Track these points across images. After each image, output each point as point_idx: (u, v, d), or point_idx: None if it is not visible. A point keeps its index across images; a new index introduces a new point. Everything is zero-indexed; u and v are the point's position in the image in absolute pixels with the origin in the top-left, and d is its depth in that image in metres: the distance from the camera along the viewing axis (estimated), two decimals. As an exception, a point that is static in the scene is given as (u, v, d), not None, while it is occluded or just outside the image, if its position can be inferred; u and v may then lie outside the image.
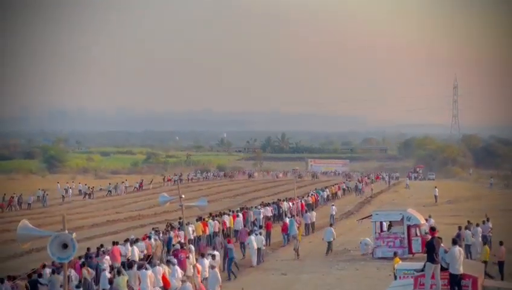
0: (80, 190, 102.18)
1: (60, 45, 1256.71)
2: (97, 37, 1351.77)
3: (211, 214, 51.63)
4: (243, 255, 41.77)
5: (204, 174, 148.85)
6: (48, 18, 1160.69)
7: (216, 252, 34.14)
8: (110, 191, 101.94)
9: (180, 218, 49.94)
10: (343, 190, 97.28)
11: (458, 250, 23.08)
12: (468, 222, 42.18)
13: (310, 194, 75.32)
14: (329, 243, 44.32)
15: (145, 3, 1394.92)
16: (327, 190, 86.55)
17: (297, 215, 52.78)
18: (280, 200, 64.92)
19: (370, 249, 42.03)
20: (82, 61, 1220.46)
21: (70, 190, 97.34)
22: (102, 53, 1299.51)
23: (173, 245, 37.64)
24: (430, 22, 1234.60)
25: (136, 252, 36.36)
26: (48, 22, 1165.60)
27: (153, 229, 44.60)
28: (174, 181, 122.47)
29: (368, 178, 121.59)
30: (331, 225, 49.72)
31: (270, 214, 57.13)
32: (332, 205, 65.30)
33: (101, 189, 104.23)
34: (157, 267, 28.89)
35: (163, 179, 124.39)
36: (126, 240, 37.64)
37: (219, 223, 48.13)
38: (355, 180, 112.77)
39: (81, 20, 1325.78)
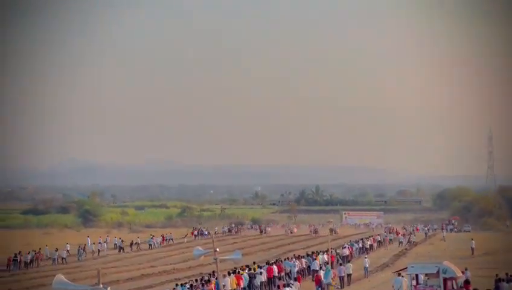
0: (115, 244, 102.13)
1: (91, 99, 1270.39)
2: (127, 90, 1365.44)
3: (247, 266, 51.50)
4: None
5: (233, 226, 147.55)
6: (76, 75, 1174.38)
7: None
8: (150, 245, 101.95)
9: (213, 271, 50.05)
10: (378, 242, 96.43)
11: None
12: (507, 274, 41.73)
13: (344, 246, 75.05)
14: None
15: (179, 59, 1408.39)
16: (361, 242, 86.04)
17: (332, 267, 52.52)
18: (313, 252, 64.67)
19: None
20: (114, 116, 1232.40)
21: (105, 244, 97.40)
22: (136, 107, 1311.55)
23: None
24: (462, 72, 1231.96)
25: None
26: (76, 79, 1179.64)
27: (176, 284, 44.69)
28: (195, 236, 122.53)
29: (406, 230, 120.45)
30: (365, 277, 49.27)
31: (303, 266, 56.95)
32: (366, 257, 64.88)
33: (135, 243, 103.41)
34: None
35: (186, 235, 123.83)
36: None
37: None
38: (393, 232, 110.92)
39: (108, 72, 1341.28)
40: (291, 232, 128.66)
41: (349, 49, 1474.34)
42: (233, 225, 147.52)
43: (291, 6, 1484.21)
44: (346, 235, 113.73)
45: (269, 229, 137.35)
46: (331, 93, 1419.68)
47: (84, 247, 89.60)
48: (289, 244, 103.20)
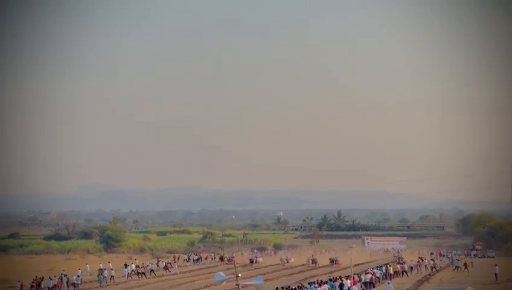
0: (132, 270, 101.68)
1: (114, 126, 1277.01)
2: (152, 116, 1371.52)
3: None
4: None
5: (255, 252, 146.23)
6: (99, 102, 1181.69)
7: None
8: (151, 271, 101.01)
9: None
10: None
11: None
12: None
13: (368, 272, 74.81)
14: None
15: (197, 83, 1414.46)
16: (384, 267, 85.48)
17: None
18: (336, 278, 64.46)
19: None
20: (137, 142, 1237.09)
21: (126, 270, 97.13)
22: (160, 133, 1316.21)
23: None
24: (486, 97, 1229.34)
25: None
26: (100, 105, 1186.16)
27: None
28: (212, 259, 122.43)
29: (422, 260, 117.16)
30: None
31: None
32: (388, 283, 64.51)
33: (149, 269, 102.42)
34: None
35: (200, 258, 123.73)
36: None
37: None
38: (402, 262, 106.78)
39: (132, 99, 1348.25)
40: (287, 261, 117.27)
41: (366, 68, 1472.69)
42: (223, 253, 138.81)
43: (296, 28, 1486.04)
44: (347, 266, 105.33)
45: (261, 259, 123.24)
46: (354, 117, 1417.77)
47: (101, 273, 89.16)
48: (311, 269, 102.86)
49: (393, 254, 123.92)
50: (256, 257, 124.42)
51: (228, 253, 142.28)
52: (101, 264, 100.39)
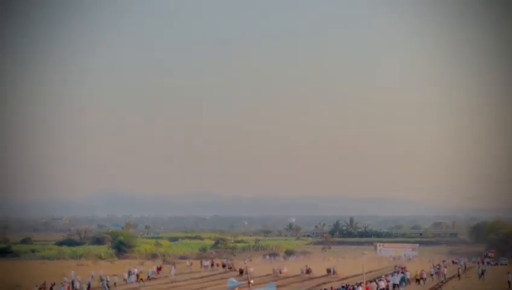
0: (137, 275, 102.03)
1: (126, 131, 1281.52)
2: (163, 121, 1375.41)
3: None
4: None
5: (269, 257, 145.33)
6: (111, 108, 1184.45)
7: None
8: (149, 277, 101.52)
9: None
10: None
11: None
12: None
13: (381, 279, 74.82)
14: None
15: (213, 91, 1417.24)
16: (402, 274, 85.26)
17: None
18: (348, 285, 64.41)
19: None
20: (149, 148, 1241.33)
21: (131, 277, 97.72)
22: (171, 139, 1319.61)
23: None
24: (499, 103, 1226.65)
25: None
26: (112, 111, 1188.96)
27: None
28: (223, 266, 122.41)
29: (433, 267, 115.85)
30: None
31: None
32: (400, 290, 64.42)
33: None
34: None
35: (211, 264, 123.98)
36: None
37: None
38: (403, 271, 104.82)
39: (143, 105, 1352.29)
40: (280, 272, 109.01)
41: (373, 81, 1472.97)
42: (225, 260, 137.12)
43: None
44: (346, 276, 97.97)
45: (252, 269, 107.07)
46: (366, 124, 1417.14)
47: (106, 280, 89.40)
48: (323, 276, 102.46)
49: (395, 265, 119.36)
50: (246, 267, 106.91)
51: (238, 260, 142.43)
52: (92, 272, 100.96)
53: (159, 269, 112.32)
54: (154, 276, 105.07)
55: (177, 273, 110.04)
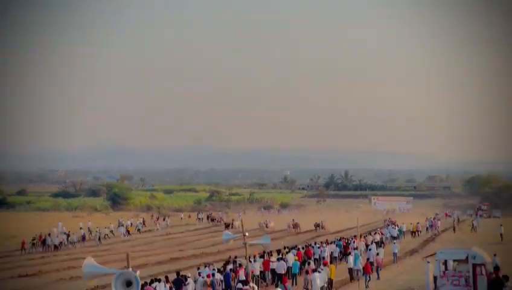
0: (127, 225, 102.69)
1: (121, 83, 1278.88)
2: (158, 73, 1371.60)
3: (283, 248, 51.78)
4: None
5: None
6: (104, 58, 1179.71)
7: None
8: (139, 230, 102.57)
9: (235, 256, 50.14)
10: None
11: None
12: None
13: (376, 232, 75.44)
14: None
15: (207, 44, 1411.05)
16: (396, 227, 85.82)
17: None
18: (342, 238, 64.82)
19: None
20: (144, 100, 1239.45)
21: (121, 228, 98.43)
22: (167, 92, 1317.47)
23: (240, 281, 37.41)
24: (496, 57, 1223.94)
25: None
26: (106, 61, 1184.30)
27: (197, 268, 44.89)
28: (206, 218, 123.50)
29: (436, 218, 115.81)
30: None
31: (333, 251, 57.15)
32: (394, 243, 64.74)
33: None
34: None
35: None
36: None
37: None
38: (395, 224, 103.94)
39: (139, 56, 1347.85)
40: (266, 226, 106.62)
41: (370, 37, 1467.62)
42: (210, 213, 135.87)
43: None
44: (335, 231, 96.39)
45: (237, 222, 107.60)
46: (362, 76, 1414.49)
47: (98, 231, 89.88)
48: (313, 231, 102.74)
49: (384, 219, 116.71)
50: (232, 220, 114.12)
51: (232, 212, 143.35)
52: (81, 223, 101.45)
53: (144, 222, 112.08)
54: (143, 229, 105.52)
55: (172, 226, 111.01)
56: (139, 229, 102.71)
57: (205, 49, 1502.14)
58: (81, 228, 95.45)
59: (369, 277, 46.04)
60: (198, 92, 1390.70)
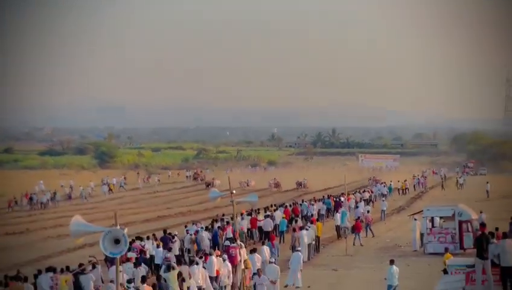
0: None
1: (109, 40, 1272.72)
2: (145, 33, 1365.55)
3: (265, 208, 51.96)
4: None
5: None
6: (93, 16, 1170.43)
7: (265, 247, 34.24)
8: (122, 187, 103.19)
9: (223, 214, 50.28)
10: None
11: (509, 243, 22.88)
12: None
13: (365, 190, 76.03)
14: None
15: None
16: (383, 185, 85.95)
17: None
18: (330, 195, 65.00)
19: None
20: (132, 57, 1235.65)
21: (104, 186, 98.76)
22: (155, 49, 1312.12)
23: (227, 239, 37.50)
24: (482, 12, 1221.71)
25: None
26: (95, 18, 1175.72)
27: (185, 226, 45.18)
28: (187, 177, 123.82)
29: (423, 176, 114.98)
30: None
31: (320, 208, 57.33)
32: (383, 200, 65.04)
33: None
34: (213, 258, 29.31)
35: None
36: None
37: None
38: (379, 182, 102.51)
39: (127, 15, 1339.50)
40: (247, 185, 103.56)
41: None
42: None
43: None
44: (317, 190, 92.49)
45: (218, 181, 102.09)
46: (345, 35, 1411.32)
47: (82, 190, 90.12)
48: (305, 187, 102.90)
49: (369, 177, 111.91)
50: (214, 179, 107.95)
51: (219, 170, 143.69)
52: (62, 182, 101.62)
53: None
54: (126, 187, 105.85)
55: (161, 184, 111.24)
56: (121, 186, 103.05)
57: (196, 11, 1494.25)
58: (62, 186, 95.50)
59: (359, 235, 46.30)
60: (184, 49, 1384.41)
